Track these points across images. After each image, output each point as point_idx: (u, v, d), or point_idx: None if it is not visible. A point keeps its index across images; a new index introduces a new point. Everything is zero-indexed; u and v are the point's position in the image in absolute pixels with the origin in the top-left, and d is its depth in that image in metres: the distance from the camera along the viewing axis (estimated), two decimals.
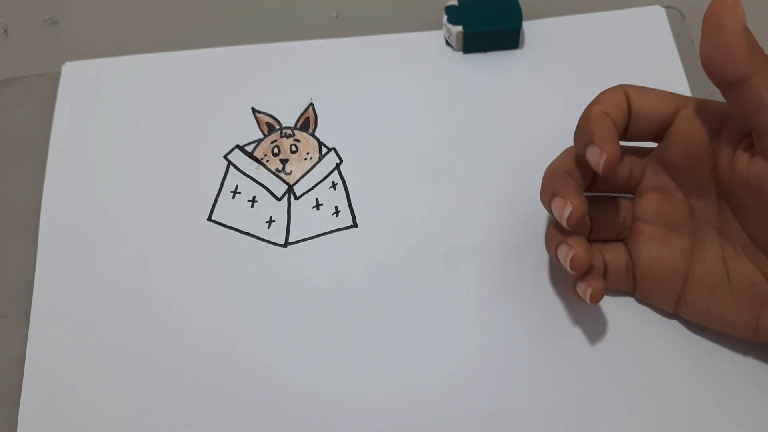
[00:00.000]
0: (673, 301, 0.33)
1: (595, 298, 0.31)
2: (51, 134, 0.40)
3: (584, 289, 0.31)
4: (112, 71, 0.42)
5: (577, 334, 0.34)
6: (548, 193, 0.32)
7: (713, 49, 0.27)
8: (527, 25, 0.42)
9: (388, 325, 0.35)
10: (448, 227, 0.37)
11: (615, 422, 0.32)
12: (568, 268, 0.31)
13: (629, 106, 0.31)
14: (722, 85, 0.28)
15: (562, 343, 0.34)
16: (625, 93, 0.31)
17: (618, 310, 0.35)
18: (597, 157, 0.30)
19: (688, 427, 0.32)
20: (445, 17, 0.41)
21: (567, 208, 0.30)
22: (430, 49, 0.42)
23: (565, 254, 0.31)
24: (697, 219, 0.32)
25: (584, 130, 0.31)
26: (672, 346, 0.34)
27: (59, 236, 0.37)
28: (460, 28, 0.41)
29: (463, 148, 0.39)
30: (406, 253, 0.37)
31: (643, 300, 0.35)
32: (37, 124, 0.41)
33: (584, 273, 0.31)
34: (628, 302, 0.35)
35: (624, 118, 0.31)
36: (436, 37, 0.42)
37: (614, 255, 0.34)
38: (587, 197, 0.31)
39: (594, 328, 0.34)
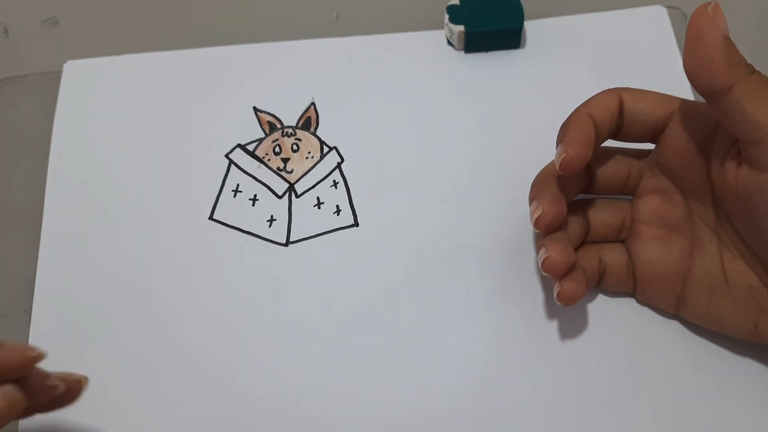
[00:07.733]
0: (673, 302, 0.33)
1: (564, 299, 0.31)
2: (52, 132, 0.40)
3: (555, 290, 0.32)
4: (114, 70, 0.42)
5: (578, 333, 0.34)
6: (530, 197, 0.32)
7: (694, 61, 0.28)
8: (529, 25, 0.42)
9: (389, 324, 0.35)
10: (449, 226, 0.37)
11: (615, 422, 0.32)
12: (541, 269, 0.31)
13: (622, 109, 0.31)
14: (705, 96, 0.28)
15: (563, 342, 0.34)
16: (618, 96, 0.31)
17: (619, 310, 0.35)
18: (558, 156, 0.30)
19: (689, 427, 0.32)
20: (446, 17, 0.41)
21: (537, 212, 0.31)
22: (432, 48, 0.42)
23: (541, 256, 0.31)
24: (695, 221, 0.32)
25: (561, 130, 0.31)
26: (673, 347, 0.34)
27: (61, 234, 0.37)
28: (461, 28, 0.41)
29: (464, 148, 0.39)
30: (407, 252, 0.37)
31: (643, 301, 0.35)
32: (38, 123, 0.41)
33: (562, 275, 0.31)
34: (629, 303, 0.35)
35: (612, 121, 0.31)
36: (438, 36, 0.42)
37: (614, 256, 0.34)
38: (586, 200, 0.31)
39: (595, 328, 0.34)
